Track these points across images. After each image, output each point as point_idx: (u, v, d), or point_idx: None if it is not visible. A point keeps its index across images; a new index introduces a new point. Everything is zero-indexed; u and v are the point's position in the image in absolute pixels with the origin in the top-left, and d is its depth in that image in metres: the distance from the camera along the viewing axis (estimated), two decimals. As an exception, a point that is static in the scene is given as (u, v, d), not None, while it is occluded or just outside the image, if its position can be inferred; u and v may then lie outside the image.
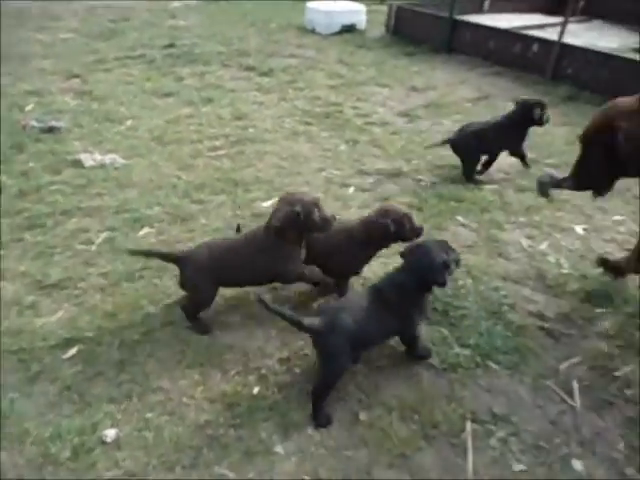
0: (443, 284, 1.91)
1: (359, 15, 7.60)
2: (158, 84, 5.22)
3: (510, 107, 3.62)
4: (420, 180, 3.55)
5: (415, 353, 2.14)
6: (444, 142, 3.58)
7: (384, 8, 7.67)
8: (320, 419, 1.88)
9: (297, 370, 2.10)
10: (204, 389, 2.01)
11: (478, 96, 5.11)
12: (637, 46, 6.87)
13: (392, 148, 3.98)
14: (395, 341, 2.22)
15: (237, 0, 9.40)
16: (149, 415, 1.91)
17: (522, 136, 3.54)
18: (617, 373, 2.10)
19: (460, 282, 2.57)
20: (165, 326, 2.28)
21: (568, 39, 6.07)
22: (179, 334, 2.24)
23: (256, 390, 2.01)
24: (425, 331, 2.27)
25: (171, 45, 6.48)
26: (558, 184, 2.49)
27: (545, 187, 2.58)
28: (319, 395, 1.88)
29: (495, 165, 3.76)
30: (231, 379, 2.05)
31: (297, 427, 1.88)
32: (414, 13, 7.10)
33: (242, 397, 1.97)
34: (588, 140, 2.33)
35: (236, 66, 5.87)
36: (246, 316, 2.35)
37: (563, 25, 5.35)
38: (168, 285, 2.52)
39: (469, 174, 3.54)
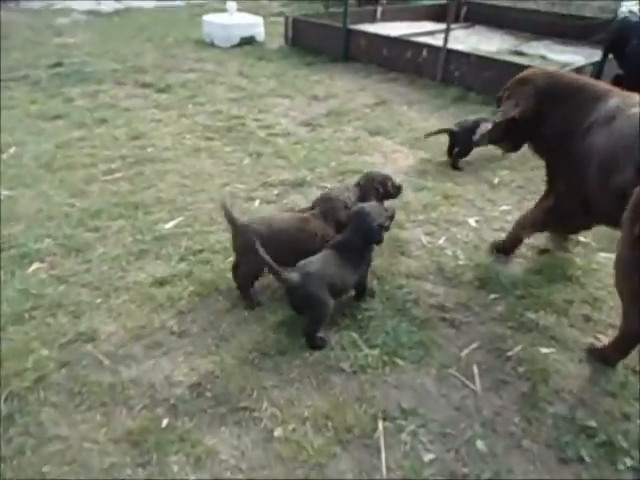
0: (379, 242, 2.41)
1: (257, 27, 7.64)
2: (45, 107, 4.89)
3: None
4: (324, 187, 3.61)
5: (363, 298, 2.53)
6: (445, 131, 4.06)
7: (282, 19, 7.76)
8: (316, 344, 2.24)
9: (208, 394, 2.04)
10: (108, 430, 1.89)
11: (376, 102, 5.32)
12: (514, 48, 7.55)
13: (296, 158, 4.02)
14: (307, 350, 2.24)
15: (131, 15, 9.09)
16: (46, 469, 1.76)
17: None
18: (510, 353, 2.26)
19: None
20: (60, 368, 2.11)
21: (454, 44, 6.53)
22: (77, 375, 2.09)
23: (165, 422, 1.92)
24: (335, 336, 2.31)
25: (58, 64, 6.10)
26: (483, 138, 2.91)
27: (482, 139, 3.00)
28: (313, 330, 2.23)
29: (394, 166, 3.94)
30: (137, 415, 1.95)
31: (210, 454, 1.82)
32: (310, 24, 7.26)
33: (150, 432, 1.88)
34: (497, 100, 2.81)
35: (132, 83, 5.65)
36: (149, 346, 2.24)
37: (446, 32, 5.74)
38: (62, 323, 2.34)
39: (457, 159, 4.01)
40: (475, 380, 2.15)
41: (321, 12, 8.41)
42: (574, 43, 7.65)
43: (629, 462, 1.84)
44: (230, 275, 2.55)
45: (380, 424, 1.94)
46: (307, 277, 2.17)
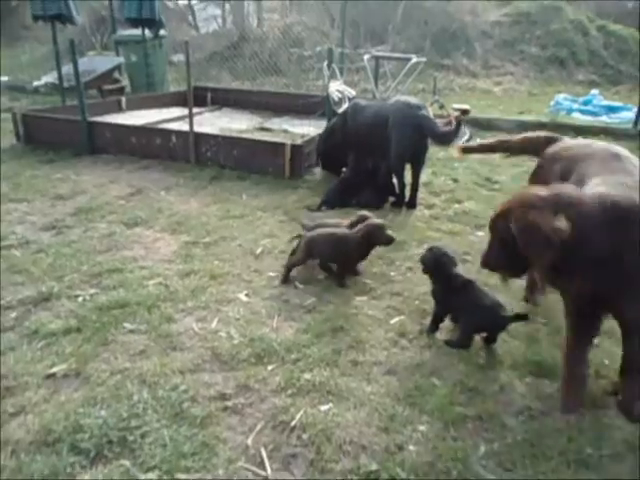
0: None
1: (-23, 127, 6.71)
2: None
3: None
4: (77, 296, 3.21)
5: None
6: None
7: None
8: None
9: None
10: None
11: (131, 192, 5.11)
12: (260, 125, 8.34)
13: (38, 269, 3.50)
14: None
15: None
16: None
17: None
18: (293, 422, 2.26)
19: (135, 397, 2.36)
20: None
21: (207, 127, 6.86)
22: None
23: None
24: (104, 471, 1.97)
25: None
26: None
27: None
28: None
29: (156, 256, 3.77)
30: None
31: None
32: (45, 119, 6.72)
33: None
34: (491, 226, 2.34)
35: None
36: None
37: (190, 117, 5.98)
38: None
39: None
40: (265, 465, 2.07)
41: (58, 105, 7.89)
42: (307, 117, 8.85)
43: (409, 491, 1.98)
44: None
45: None
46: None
